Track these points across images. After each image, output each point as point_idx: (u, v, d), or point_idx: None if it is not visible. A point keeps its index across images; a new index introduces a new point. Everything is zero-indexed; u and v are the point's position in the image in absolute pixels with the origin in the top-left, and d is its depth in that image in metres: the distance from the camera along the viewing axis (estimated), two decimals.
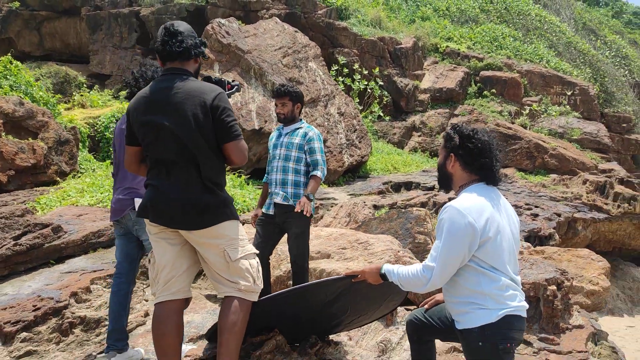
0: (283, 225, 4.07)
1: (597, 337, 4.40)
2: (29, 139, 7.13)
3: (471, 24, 18.25)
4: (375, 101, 14.01)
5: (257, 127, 8.89)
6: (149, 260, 2.93)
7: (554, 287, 4.12)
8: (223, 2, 16.74)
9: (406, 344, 3.74)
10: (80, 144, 8.22)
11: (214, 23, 9.64)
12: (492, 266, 2.45)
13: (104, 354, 3.39)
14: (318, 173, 4.10)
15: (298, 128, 4.19)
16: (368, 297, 3.19)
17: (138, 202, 3.37)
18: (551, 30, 18.59)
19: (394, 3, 19.35)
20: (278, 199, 4.05)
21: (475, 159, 2.55)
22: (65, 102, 10.97)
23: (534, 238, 7.39)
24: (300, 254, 4.03)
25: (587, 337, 4.12)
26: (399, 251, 4.65)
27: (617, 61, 19.86)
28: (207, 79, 2.95)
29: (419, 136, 14.78)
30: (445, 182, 2.72)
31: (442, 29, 17.64)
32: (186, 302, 3.00)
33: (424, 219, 5.41)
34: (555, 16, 20.00)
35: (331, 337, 3.64)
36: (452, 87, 15.40)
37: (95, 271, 4.44)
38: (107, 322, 3.91)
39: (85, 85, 13.44)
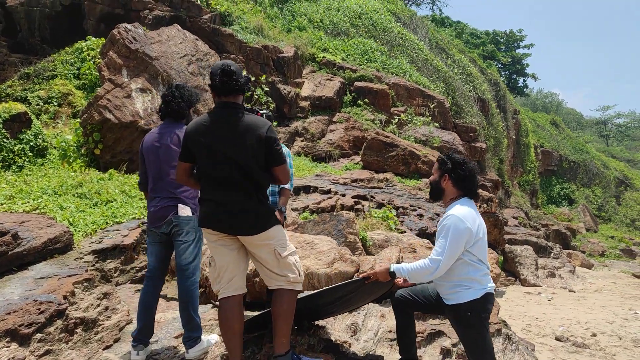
0: None
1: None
2: None
3: (343, 36, 19.63)
4: (263, 107, 14.72)
5: None
6: (209, 264, 3.43)
7: None
8: None
9: (370, 324, 4.59)
10: None
11: (120, 28, 9.66)
12: (479, 259, 3.44)
13: (134, 349, 3.77)
14: (288, 186, 4.80)
15: None
16: (368, 291, 3.99)
17: (181, 208, 3.82)
18: (411, 47, 20.67)
19: (270, 11, 20.15)
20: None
21: (465, 180, 3.52)
22: None
23: (423, 235, 8.67)
24: None
25: (497, 311, 5.35)
26: (340, 249, 5.48)
27: (464, 78, 22.68)
28: (250, 110, 3.56)
29: (302, 141, 15.74)
30: (437, 194, 3.67)
31: (318, 40, 18.78)
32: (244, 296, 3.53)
33: (353, 221, 6.31)
34: (413, 34, 22.24)
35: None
36: (330, 95, 16.61)
37: (70, 276, 4.64)
38: (101, 322, 4.25)
39: None
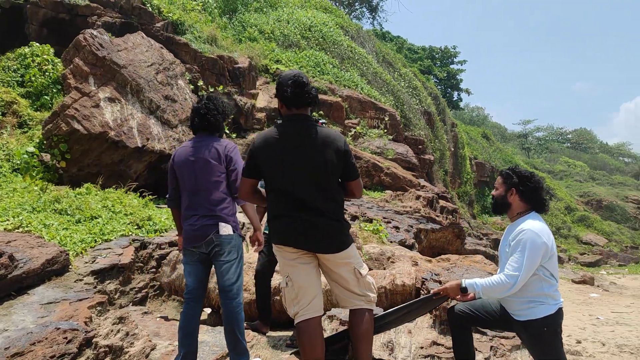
0: None
1: None
2: None
3: (295, 48, 19.62)
4: None
5: (140, 145, 8.72)
6: (286, 284, 3.21)
7: None
8: (45, 2, 15.37)
9: (402, 341, 4.50)
10: None
11: (86, 34, 9.14)
12: (551, 274, 3.42)
13: None
14: None
15: None
16: (423, 308, 3.91)
17: (223, 226, 3.57)
18: (361, 61, 20.95)
19: (219, 21, 19.82)
20: None
21: (534, 194, 3.51)
22: None
23: (404, 247, 8.70)
24: None
25: None
26: None
27: (410, 91, 23.23)
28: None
29: None
30: (503, 208, 3.63)
31: (271, 52, 18.66)
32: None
33: (356, 235, 6.23)
34: (362, 48, 22.56)
35: None
36: None
37: (80, 300, 4.28)
38: (126, 349, 3.94)
39: None
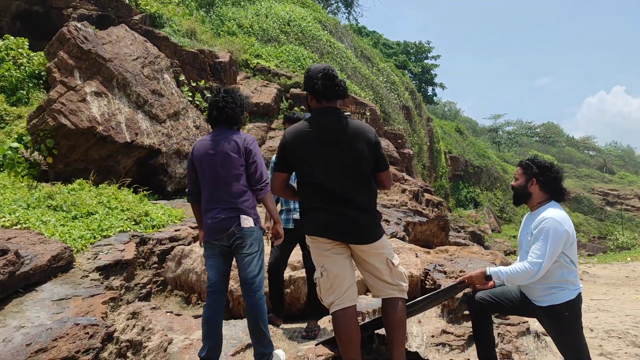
0: (301, 238, 4.50)
1: None
2: None
3: (274, 43, 19.52)
4: (204, 114, 14.22)
5: (128, 140, 8.57)
6: (321, 274, 3.20)
7: None
8: None
9: (414, 330, 4.55)
10: None
11: (70, 26, 8.92)
12: (572, 261, 3.50)
13: None
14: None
15: None
16: (445, 296, 3.96)
17: (244, 219, 3.54)
18: (340, 56, 20.97)
19: (197, 15, 19.58)
20: (298, 215, 4.49)
21: (553, 183, 3.58)
22: None
23: (397, 240, 8.77)
24: None
25: None
26: None
27: (388, 86, 23.38)
28: None
29: None
30: (523, 198, 3.70)
31: (250, 46, 18.53)
32: None
33: None
34: (340, 43, 22.58)
35: None
36: (269, 102, 16.41)
37: (93, 296, 4.20)
38: (145, 344, 3.90)
39: None
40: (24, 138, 9.89)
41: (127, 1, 15.44)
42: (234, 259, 3.72)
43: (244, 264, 3.63)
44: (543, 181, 3.65)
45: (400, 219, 10.06)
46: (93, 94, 8.53)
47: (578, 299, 3.56)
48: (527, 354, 4.60)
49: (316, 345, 3.71)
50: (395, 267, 3.31)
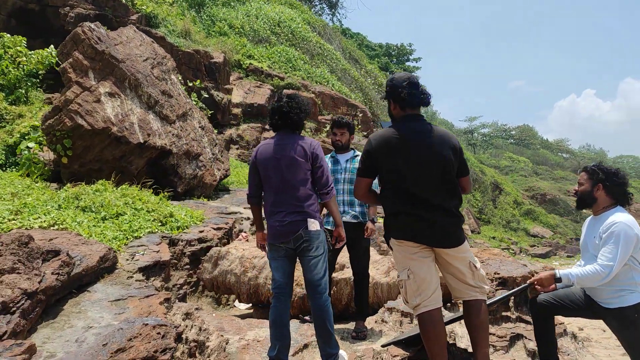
0: (352, 240, 4.67)
1: None
2: None
3: (265, 44, 19.61)
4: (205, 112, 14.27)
5: (141, 141, 8.62)
6: (407, 276, 3.37)
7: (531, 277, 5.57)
8: None
9: (459, 331, 4.75)
10: None
11: (84, 27, 8.92)
12: None
13: None
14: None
15: (356, 155, 4.88)
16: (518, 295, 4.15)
17: (311, 222, 3.69)
18: (330, 57, 21.18)
19: (188, 15, 19.58)
20: (348, 218, 4.67)
21: (620, 189, 3.80)
22: None
23: None
24: (366, 265, 4.72)
25: None
26: (385, 257, 5.63)
27: (376, 88, 23.67)
28: None
29: (237, 149, 15.52)
30: (588, 203, 3.89)
31: (242, 46, 18.59)
32: None
33: (377, 232, 6.46)
34: (330, 45, 22.79)
35: None
36: (262, 103, 16.53)
37: (147, 297, 4.30)
38: (207, 344, 4.04)
39: None
40: (28, 137, 9.85)
41: (124, 1, 15.40)
42: (299, 261, 3.87)
43: (310, 266, 3.77)
44: (609, 187, 3.80)
45: None
46: (107, 94, 8.56)
47: None
48: (568, 354, 4.79)
49: (382, 346, 3.89)
50: (477, 270, 3.48)
